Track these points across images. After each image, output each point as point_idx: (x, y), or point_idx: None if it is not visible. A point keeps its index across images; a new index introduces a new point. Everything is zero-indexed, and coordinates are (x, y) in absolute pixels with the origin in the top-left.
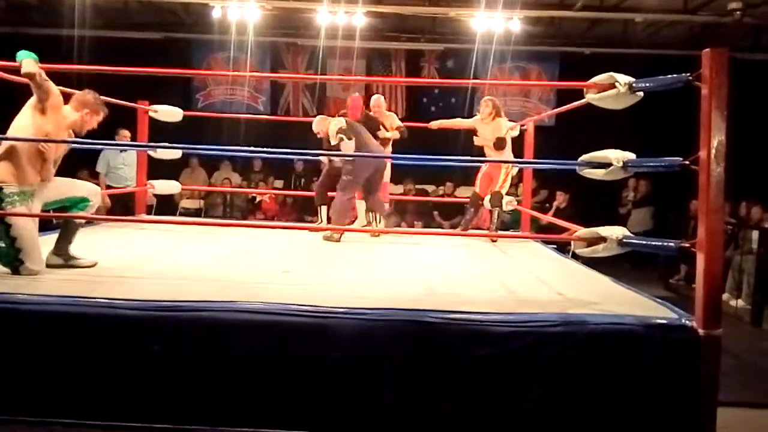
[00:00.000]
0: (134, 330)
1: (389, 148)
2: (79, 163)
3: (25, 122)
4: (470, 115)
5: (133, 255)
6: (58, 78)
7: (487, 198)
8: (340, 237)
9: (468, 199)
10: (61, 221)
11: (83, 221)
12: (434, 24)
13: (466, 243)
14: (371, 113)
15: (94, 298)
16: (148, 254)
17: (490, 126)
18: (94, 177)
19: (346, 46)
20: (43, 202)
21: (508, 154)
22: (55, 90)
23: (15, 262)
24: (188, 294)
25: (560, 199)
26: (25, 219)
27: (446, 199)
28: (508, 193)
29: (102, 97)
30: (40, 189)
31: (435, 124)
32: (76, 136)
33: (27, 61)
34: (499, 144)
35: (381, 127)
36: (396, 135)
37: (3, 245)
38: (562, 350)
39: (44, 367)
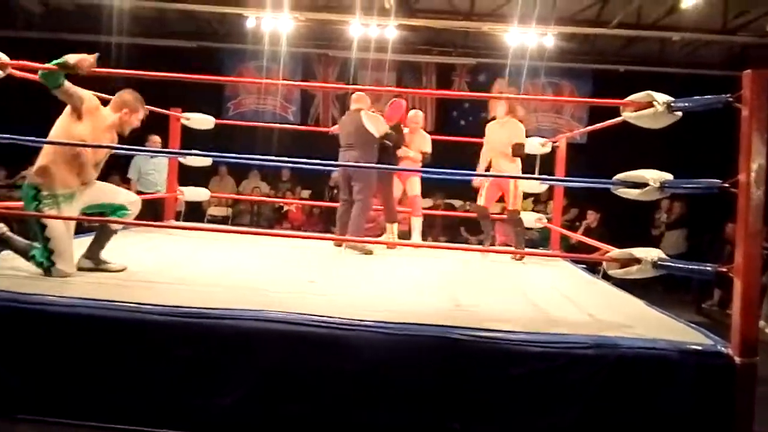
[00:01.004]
0: (161, 335)
1: (418, 164)
2: (110, 168)
3: (62, 128)
4: None
5: (161, 260)
6: (94, 82)
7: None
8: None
9: (494, 216)
10: (97, 226)
11: (118, 228)
12: (466, 38)
13: (491, 258)
14: (402, 126)
15: (123, 302)
16: (176, 260)
17: (505, 128)
18: (125, 182)
19: (378, 58)
20: (84, 204)
21: (519, 164)
22: (86, 94)
23: (47, 262)
24: (214, 301)
25: (591, 218)
26: (60, 221)
27: (473, 214)
28: (537, 210)
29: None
30: (80, 192)
31: None
32: (119, 136)
33: (49, 76)
34: (518, 150)
35: (403, 145)
36: (417, 157)
37: (38, 245)
38: (592, 373)
39: (71, 368)
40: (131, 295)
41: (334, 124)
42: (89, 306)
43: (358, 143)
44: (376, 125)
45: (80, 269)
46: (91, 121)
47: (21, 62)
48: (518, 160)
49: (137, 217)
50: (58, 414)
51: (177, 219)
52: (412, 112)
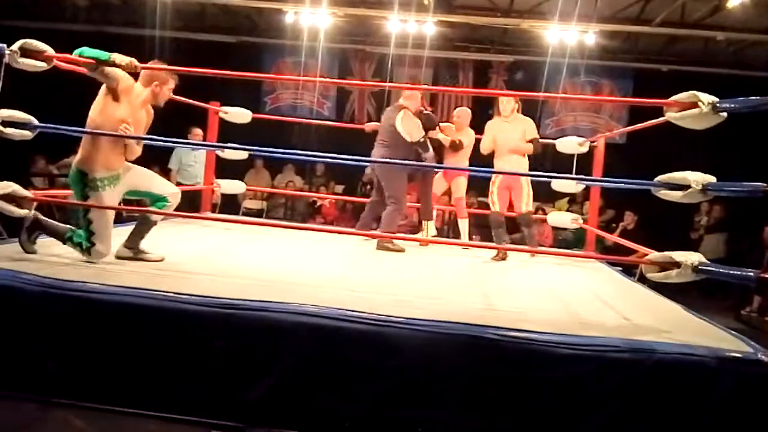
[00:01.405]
0: (198, 325)
1: (460, 160)
2: (150, 158)
3: (100, 110)
4: (538, 131)
5: (198, 251)
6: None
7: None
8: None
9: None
10: (138, 216)
11: (158, 219)
12: (504, 35)
13: (524, 258)
14: (432, 114)
15: (161, 291)
16: (212, 251)
17: (514, 125)
18: (164, 173)
19: (415, 55)
20: (127, 188)
21: (526, 161)
22: (121, 74)
23: (87, 243)
24: (249, 293)
25: (628, 219)
26: (103, 203)
27: (507, 213)
28: (572, 211)
29: (177, 97)
30: (125, 173)
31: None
32: (154, 109)
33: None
34: (536, 145)
35: (438, 128)
36: (466, 154)
37: (74, 228)
38: (627, 378)
39: (108, 355)
40: (169, 285)
41: (369, 120)
42: (129, 294)
43: (391, 141)
44: (411, 130)
45: (119, 258)
46: (127, 99)
47: (65, 55)
48: (527, 157)
49: (176, 208)
50: (93, 399)
51: (213, 211)
52: (459, 109)
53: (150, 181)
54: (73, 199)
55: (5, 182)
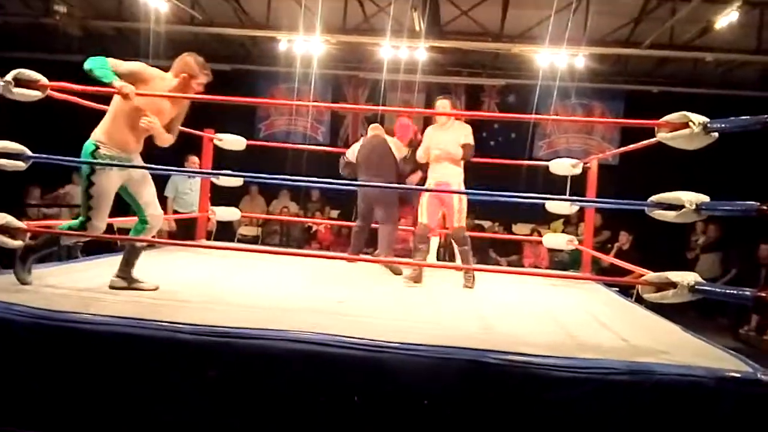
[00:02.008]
0: (192, 354)
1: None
2: None
3: (118, 101)
4: (530, 153)
5: (192, 279)
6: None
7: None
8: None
9: (523, 237)
10: (124, 245)
11: (145, 245)
12: (496, 59)
13: (520, 281)
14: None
15: (155, 320)
16: (208, 279)
17: (449, 131)
18: (161, 200)
19: (407, 80)
20: (126, 182)
21: (460, 169)
22: (136, 66)
23: (84, 218)
24: (245, 320)
25: (623, 240)
26: (106, 180)
27: (502, 236)
28: (567, 232)
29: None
30: (133, 160)
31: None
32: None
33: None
34: (468, 151)
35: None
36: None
37: (81, 211)
38: (626, 400)
39: (102, 386)
40: (164, 314)
41: None
42: (123, 324)
43: (383, 170)
44: (399, 149)
45: (113, 288)
46: (147, 88)
47: (59, 83)
48: (462, 165)
49: (171, 236)
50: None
51: (208, 238)
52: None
53: (145, 191)
54: (79, 177)
55: None
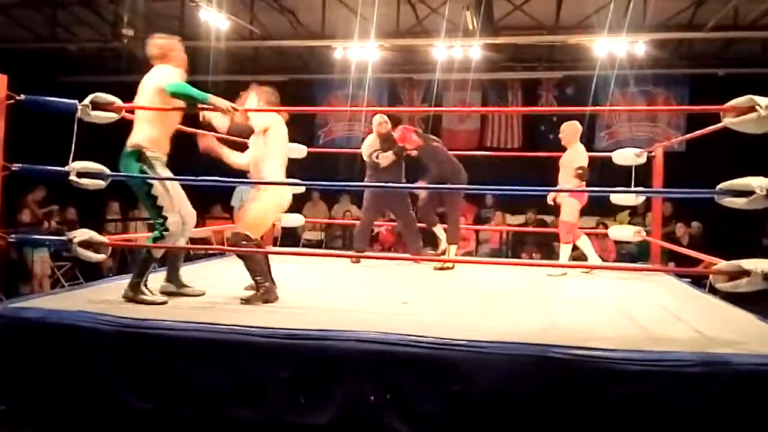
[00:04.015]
0: (264, 356)
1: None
2: (214, 198)
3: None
4: (587, 145)
5: None
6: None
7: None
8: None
9: (587, 230)
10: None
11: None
12: (552, 51)
13: (586, 275)
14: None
15: (228, 325)
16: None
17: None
18: (227, 211)
19: (462, 79)
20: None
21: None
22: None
23: (160, 219)
24: (313, 322)
25: (694, 229)
26: (160, 174)
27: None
28: (634, 223)
29: (235, 138)
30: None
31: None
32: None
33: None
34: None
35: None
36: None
37: (153, 215)
38: (702, 393)
39: (176, 387)
40: (236, 319)
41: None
42: (199, 329)
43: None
44: (372, 146)
45: (163, 293)
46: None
47: (132, 105)
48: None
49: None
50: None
51: (274, 244)
52: (565, 125)
53: (177, 193)
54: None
55: (83, 229)
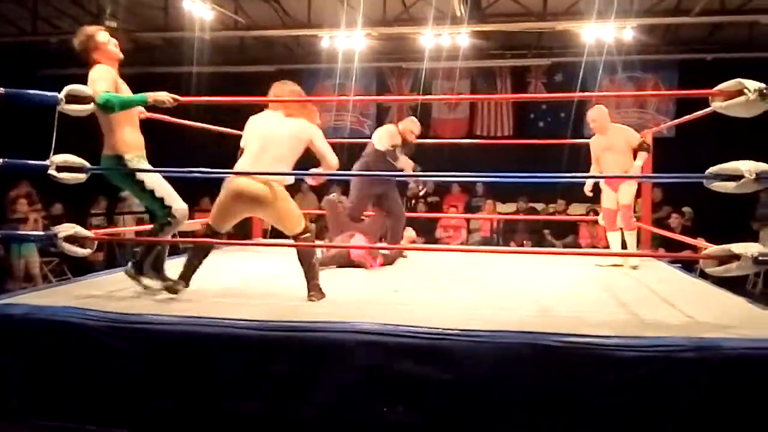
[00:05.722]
0: (257, 349)
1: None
2: (203, 189)
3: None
4: (576, 131)
5: (251, 276)
6: (179, 110)
7: None
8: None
9: (578, 217)
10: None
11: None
12: (540, 38)
13: (577, 262)
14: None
15: (219, 318)
16: (265, 275)
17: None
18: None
19: (451, 67)
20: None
21: None
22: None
23: (164, 209)
24: (303, 314)
25: (684, 214)
26: (151, 173)
27: (556, 217)
28: None
29: (224, 129)
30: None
31: None
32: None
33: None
34: None
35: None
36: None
37: (154, 207)
38: (693, 378)
39: (167, 383)
40: (226, 312)
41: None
42: (187, 323)
43: (371, 157)
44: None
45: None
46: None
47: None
48: None
49: (230, 237)
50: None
51: (264, 236)
52: (593, 112)
53: (164, 189)
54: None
55: (68, 224)
